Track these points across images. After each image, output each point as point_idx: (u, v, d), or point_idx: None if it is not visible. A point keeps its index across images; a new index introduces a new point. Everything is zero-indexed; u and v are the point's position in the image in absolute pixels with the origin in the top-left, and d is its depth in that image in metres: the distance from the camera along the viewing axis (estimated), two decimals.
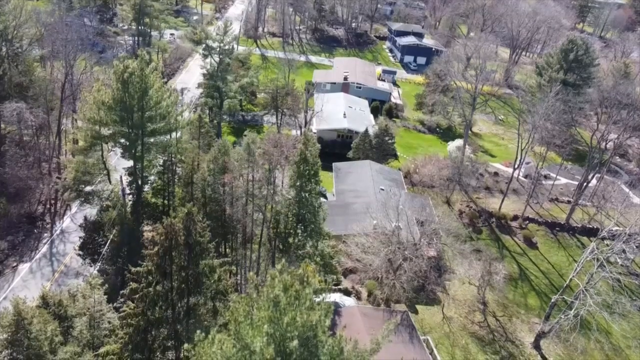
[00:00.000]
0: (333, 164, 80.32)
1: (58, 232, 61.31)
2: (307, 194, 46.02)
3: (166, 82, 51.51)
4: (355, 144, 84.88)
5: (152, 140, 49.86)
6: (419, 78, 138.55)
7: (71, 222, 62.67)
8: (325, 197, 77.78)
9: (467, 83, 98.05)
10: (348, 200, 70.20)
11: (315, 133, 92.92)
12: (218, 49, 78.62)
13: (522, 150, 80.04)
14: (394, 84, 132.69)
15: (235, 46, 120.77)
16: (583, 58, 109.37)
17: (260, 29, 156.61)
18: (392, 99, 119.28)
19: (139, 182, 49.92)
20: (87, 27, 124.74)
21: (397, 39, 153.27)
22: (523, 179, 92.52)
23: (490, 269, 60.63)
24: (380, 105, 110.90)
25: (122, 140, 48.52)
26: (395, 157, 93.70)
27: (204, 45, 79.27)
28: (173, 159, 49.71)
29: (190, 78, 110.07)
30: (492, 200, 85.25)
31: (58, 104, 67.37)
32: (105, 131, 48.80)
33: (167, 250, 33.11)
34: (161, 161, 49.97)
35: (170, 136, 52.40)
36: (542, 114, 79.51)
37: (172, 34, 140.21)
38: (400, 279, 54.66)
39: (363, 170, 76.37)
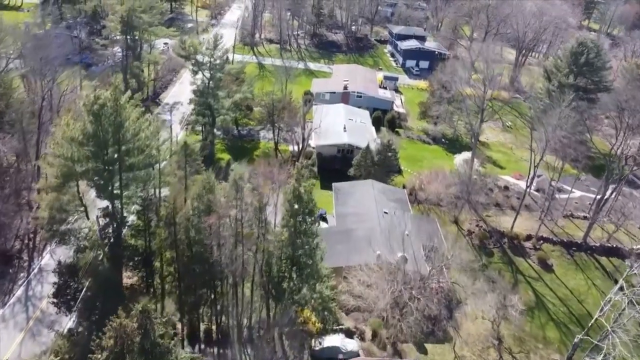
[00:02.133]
0: (333, 184, 75.46)
1: (36, 270, 56.72)
2: (301, 235, 41.18)
3: (146, 110, 46.59)
4: (356, 161, 79.97)
5: (130, 175, 45.07)
6: (422, 83, 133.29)
7: (51, 259, 57.99)
8: (326, 220, 73.07)
9: (474, 90, 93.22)
10: (349, 225, 65.32)
11: (314, 149, 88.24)
12: (208, 64, 73.80)
13: (534, 166, 74.66)
14: (396, 90, 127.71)
15: (230, 57, 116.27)
16: (594, 61, 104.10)
17: (257, 35, 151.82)
18: (395, 107, 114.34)
19: (117, 224, 45.18)
20: (76, 40, 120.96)
21: (398, 42, 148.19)
22: (535, 192, 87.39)
23: (505, 302, 55.67)
24: (382, 115, 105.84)
25: (96, 178, 43.73)
26: (399, 172, 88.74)
27: (192, 60, 74.23)
28: (152, 198, 44.98)
29: (184, 91, 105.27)
30: (503, 219, 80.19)
31: (37, 129, 62.73)
32: (78, 167, 44.04)
33: (119, 358, 27.76)
34: (140, 199, 45.09)
35: (153, 168, 47.77)
36: (554, 126, 74.36)
37: (165, 44, 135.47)
38: (406, 320, 49.79)
39: (365, 191, 71.49)
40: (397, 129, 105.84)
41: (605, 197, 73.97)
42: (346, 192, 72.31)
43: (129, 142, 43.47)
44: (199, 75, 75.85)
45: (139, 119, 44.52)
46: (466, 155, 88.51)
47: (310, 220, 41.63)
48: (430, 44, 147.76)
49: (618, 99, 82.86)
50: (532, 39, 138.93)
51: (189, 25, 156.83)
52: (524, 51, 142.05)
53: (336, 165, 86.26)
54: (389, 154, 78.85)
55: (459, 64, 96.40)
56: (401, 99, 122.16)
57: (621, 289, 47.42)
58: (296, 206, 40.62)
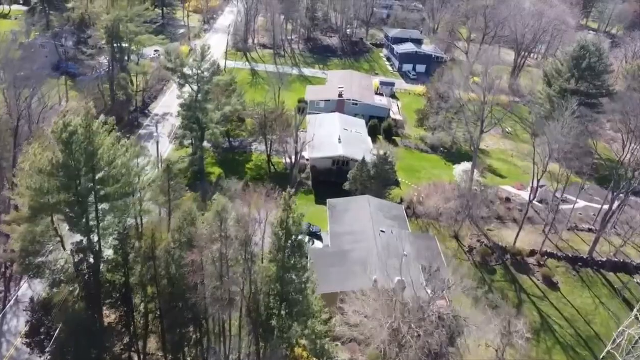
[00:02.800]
0: (327, 201, 72.31)
1: (12, 303, 53.51)
2: (290, 270, 38.02)
3: (119, 138, 43.03)
4: (352, 174, 76.79)
5: (106, 206, 41.84)
6: (419, 88, 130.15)
7: (29, 289, 54.75)
8: (320, 239, 70.00)
9: (473, 97, 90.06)
10: (344, 246, 62.16)
11: (308, 161, 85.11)
12: (195, 77, 70.55)
13: (537, 180, 71.55)
14: (393, 96, 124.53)
15: (222, 64, 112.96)
16: (596, 65, 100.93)
17: (250, 40, 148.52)
18: (392, 114, 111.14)
19: (93, 259, 41.97)
20: (62, 49, 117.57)
21: (394, 46, 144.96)
22: (538, 204, 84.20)
23: (509, 329, 52.54)
24: (378, 123, 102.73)
25: (68, 211, 40.49)
26: (397, 184, 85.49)
27: (179, 73, 70.97)
28: (130, 230, 41.77)
29: (175, 101, 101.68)
30: (506, 233, 77.15)
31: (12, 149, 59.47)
32: (50, 199, 40.79)
33: None
34: (117, 233, 41.84)
35: (133, 196, 44.54)
36: (557, 140, 71.32)
37: (156, 51, 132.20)
38: (406, 353, 46.60)
39: (361, 208, 68.31)
40: (394, 137, 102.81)
41: (612, 210, 70.69)
42: (341, 209, 69.16)
43: (104, 171, 40.21)
44: (187, 89, 72.57)
45: (115, 146, 41.28)
46: (466, 165, 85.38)
47: (299, 254, 38.46)
48: (427, 48, 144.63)
49: (624, 109, 79.46)
50: (531, 41, 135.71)
51: (181, 31, 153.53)
52: (523, 53, 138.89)
53: (331, 178, 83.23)
54: (386, 167, 75.67)
55: (457, 72, 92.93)
56: (398, 106, 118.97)
57: (637, 319, 44.27)
58: (284, 240, 37.46)
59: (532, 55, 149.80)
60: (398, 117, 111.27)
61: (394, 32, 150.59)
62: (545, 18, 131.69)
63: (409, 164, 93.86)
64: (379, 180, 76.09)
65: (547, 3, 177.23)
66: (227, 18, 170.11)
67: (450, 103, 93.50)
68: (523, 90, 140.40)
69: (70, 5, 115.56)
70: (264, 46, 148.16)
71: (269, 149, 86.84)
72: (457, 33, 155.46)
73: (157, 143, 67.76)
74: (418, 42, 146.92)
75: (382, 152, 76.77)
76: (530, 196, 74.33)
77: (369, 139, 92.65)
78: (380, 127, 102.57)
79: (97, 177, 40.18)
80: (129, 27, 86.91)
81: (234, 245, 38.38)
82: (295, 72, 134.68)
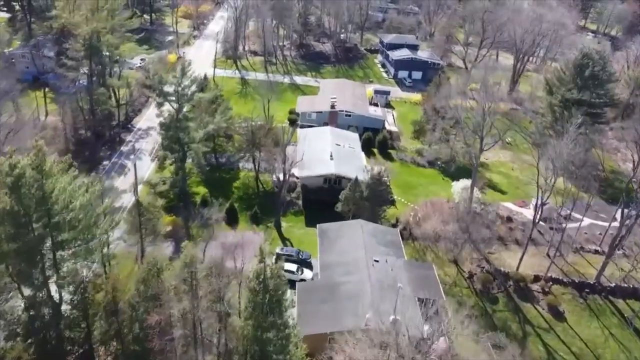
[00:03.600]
0: (317, 226, 67.79)
1: None
2: (269, 329, 33.52)
3: (76, 176, 38.39)
4: (344, 195, 72.26)
5: (64, 254, 37.28)
6: (415, 96, 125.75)
7: None
8: (310, 266, 65.56)
9: (473, 101, 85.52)
10: (335, 278, 57.66)
11: (298, 180, 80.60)
12: (175, 95, 65.94)
13: (542, 202, 67.12)
14: (388, 105, 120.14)
15: (209, 72, 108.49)
16: (600, 74, 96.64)
17: (240, 47, 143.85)
18: (387, 125, 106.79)
19: (50, 313, 37.42)
20: (44, 60, 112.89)
21: (389, 52, 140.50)
22: (541, 223, 79.73)
23: None
24: (373, 136, 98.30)
25: (18, 262, 35.92)
26: (392, 202, 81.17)
27: (157, 91, 66.31)
28: (87, 285, 37.23)
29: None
30: (507, 255, 72.82)
31: None
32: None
33: None
34: (74, 284, 37.30)
35: (97, 239, 39.99)
36: (561, 156, 67.08)
37: (142, 59, 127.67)
38: None
39: (353, 235, 63.82)
40: (389, 150, 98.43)
41: (622, 236, 66.29)
42: (332, 235, 64.64)
43: (59, 216, 35.65)
44: (167, 106, 67.94)
45: (72, 186, 36.70)
46: (464, 183, 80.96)
47: (277, 311, 34.01)
48: (423, 54, 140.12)
49: (635, 125, 75.12)
50: (530, 46, 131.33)
51: (169, 38, 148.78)
52: (522, 58, 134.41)
53: (323, 196, 78.71)
54: (380, 187, 71.20)
55: (454, 83, 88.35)
56: (393, 115, 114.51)
57: None
58: (261, 295, 33.01)
59: (531, 58, 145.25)
60: (393, 129, 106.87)
61: (389, 38, 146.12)
62: (544, 23, 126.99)
63: (404, 180, 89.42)
64: (373, 201, 71.67)
65: (544, 5, 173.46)
66: (218, 23, 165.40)
67: (447, 119, 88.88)
68: (523, 97, 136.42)
69: (52, 14, 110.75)
70: (255, 53, 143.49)
71: (257, 167, 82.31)
72: (454, 37, 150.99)
73: (134, 166, 63.04)
74: (414, 47, 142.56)
75: (376, 171, 72.28)
76: (534, 217, 69.69)
77: (363, 154, 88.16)
78: (375, 139, 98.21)
79: (51, 222, 35.57)
80: (108, 39, 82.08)
81: (205, 301, 33.90)
82: (286, 80, 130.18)
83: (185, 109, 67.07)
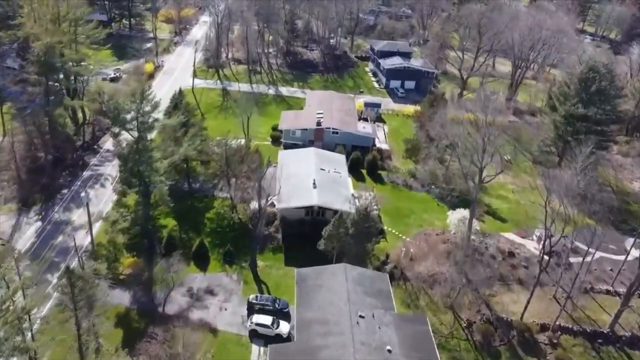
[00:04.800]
0: (296, 271, 59.94)
1: None
2: None
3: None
4: (328, 232, 64.36)
5: None
6: (408, 108, 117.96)
7: None
8: (288, 317, 57.78)
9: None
10: (313, 340, 49.79)
11: (277, 211, 72.65)
12: (135, 123, 57.87)
13: (549, 237, 59.65)
14: (379, 118, 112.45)
15: (188, 83, 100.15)
16: (607, 89, 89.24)
17: (223, 54, 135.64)
18: (377, 142, 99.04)
19: None
20: (9, 71, 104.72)
21: (380, 61, 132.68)
22: (546, 257, 72.30)
23: None
24: (361, 155, 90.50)
25: None
26: (382, 234, 73.41)
27: (112, 117, 58.19)
28: None
29: None
30: (510, 298, 65.28)
31: None
32: None
33: None
34: None
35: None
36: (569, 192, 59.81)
37: (117, 69, 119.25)
38: None
39: (336, 283, 56.00)
40: (379, 171, 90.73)
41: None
42: (312, 284, 56.75)
43: None
44: (125, 135, 59.89)
45: None
46: (462, 213, 73.18)
47: None
48: (416, 62, 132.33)
49: None
50: (530, 54, 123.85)
51: (148, 45, 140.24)
52: (521, 66, 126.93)
53: (304, 229, 71.03)
54: (367, 225, 63.35)
55: (450, 106, 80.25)
56: (384, 131, 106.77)
57: None
58: None
59: (530, 65, 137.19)
60: (384, 147, 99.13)
61: (380, 45, 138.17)
62: (545, 30, 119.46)
63: (395, 207, 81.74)
64: (359, 239, 63.84)
65: (542, 9, 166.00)
66: (202, 28, 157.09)
67: (442, 145, 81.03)
68: (522, 107, 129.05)
69: (16, 22, 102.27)
70: (239, 61, 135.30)
71: (232, 195, 74.40)
72: (448, 44, 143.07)
73: (87, 205, 55.00)
74: (406, 55, 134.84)
75: (363, 205, 64.52)
76: (540, 260, 62.21)
77: (350, 180, 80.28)
78: (364, 160, 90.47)
79: None
80: (67, 53, 73.82)
81: None
82: (271, 91, 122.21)
83: (146, 138, 58.84)
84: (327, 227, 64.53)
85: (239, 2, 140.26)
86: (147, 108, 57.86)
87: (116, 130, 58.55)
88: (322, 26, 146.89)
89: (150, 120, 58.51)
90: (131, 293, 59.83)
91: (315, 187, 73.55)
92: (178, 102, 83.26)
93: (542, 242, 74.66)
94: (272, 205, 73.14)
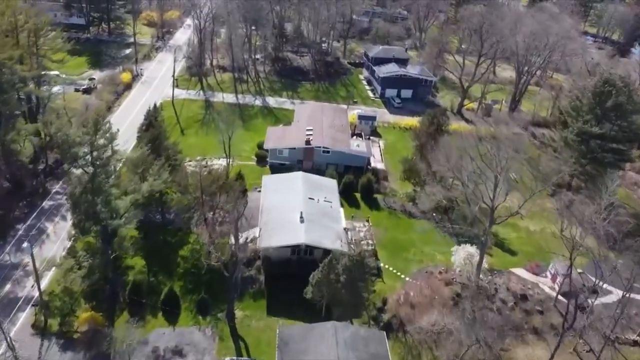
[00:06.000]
0: (277, 330, 51.62)
1: None
2: None
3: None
4: (315, 279, 56.01)
5: None
6: (406, 121, 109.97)
7: None
8: None
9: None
10: None
11: (260, 251, 64.08)
12: (89, 158, 49.25)
13: (569, 275, 51.51)
14: (374, 131, 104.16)
15: (168, 94, 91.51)
16: (624, 104, 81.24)
17: (208, 61, 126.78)
18: (372, 161, 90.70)
19: None
20: None
21: (375, 68, 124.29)
22: (561, 298, 64.37)
23: None
24: (355, 178, 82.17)
25: None
26: (378, 274, 65.15)
27: (63, 154, 49.59)
28: None
29: None
30: (524, 353, 57.19)
31: None
32: None
33: None
34: None
35: None
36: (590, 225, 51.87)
37: (91, 79, 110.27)
38: None
39: (324, 347, 47.64)
40: (375, 195, 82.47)
41: None
42: (296, 349, 48.34)
43: None
44: (78, 171, 51.17)
45: None
46: (468, 250, 64.90)
47: None
48: (413, 69, 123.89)
49: None
50: (535, 61, 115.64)
51: (127, 51, 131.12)
52: (525, 74, 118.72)
53: (290, 269, 62.74)
54: (363, 271, 55.00)
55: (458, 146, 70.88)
56: (380, 147, 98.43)
57: None
58: None
59: (532, 69, 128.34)
60: (379, 166, 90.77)
61: (374, 51, 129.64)
62: (552, 36, 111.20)
63: (393, 238, 73.52)
64: (352, 287, 55.46)
65: (544, 10, 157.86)
66: (186, 32, 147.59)
67: (447, 183, 72.40)
68: (526, 117, 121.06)
69: None
70: (224, 69, 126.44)
71: (206, 240, 65.50)
72: (447, 47, 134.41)
73: (32, 256, 46.31)
74: (403, 62, 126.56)
75: (357, 246, 56.24)
76: (564, 317, 54.11)
77: (342, 211, 71.68)
78: (358, 183, 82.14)
79: None
80: (20, 69, 65.00)
81: None
82: (258, 102, 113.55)
83: (102, 174, 50.15)
84: (315, 273, 56.20)
85: (224, 5, 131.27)
86: (102, 141, 49.14)
87: (68, 166, 49.73)
88: (314, 29, 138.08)
89: (107, 153, 49.76)
90: (87, 356, 51.25)
91: (302, 221, 65.05)
92: (152, 119, 74.66)
93: (557, 281, 67.14)
94: (255, 240, 64.85)
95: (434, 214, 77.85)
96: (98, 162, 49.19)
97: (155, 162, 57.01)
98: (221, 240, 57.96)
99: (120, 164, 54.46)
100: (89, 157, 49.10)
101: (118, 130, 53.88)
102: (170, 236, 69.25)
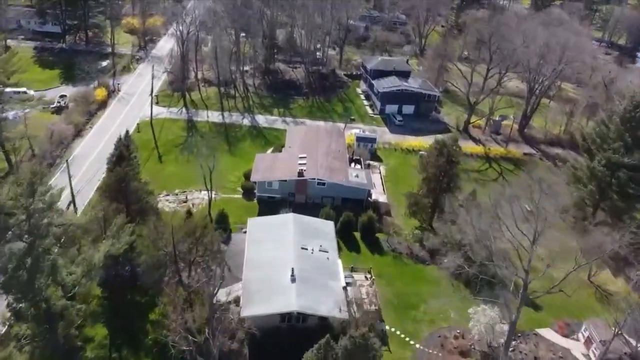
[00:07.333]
0: None
1: None
2: None
3: None
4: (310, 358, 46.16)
5: None
6: (409, 141, 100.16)
7: None
8: None
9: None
10: None
11: (245, 319, 53.94)
12: (26, 224, 39.15)
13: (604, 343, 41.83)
14: (374, 154, 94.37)
15: (146, 113, 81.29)
16: None
17: (192, 74, 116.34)
18: (373, 193, 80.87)
19: None
20: None
21: (374, 82, 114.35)
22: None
23: None
24: (354, 215, 72.27)
25: None
26: (383, 341, 55.34)
27: None
28: None
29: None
30: None
31: None
32: None
33: None
34: None
35: None
36: None
37: (62, 96, 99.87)
38: None
39: None
40: (377, 235, 72.69)
41: None
42: None
43: None
44: (13, 244, 40.88)
45: None
46: (489, 314, 55.16)
47: None
48: (415, 83, 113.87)
49: None
50: (548, 76, 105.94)
51: (104, 63, 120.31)
52: (536, 90, 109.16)
53: (280, 340, 52.72)
54: (366, 354, 45.14)
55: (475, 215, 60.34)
56: (380, 174, 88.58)
57: None
58: None
59: (539, 78, 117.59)
60: (381, 199, 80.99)
61: (373, 63, 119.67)
62: (567, 49, 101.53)
63: (399, 291, 63.71)
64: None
65: (551, 16, 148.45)
66: (170, 41, 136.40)
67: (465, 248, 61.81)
68: (538, 136, 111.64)
69: None
70: (210, 83, 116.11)
71: (186, 291, 55.66)
72: (450, 56, 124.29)
73: None
74: (404, 74, 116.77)
75: (361, 327, 46.31)
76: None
77: (340, 263, 61.57)
78: (357, 221, 72.29)
79: None
80: None
81: None
82: (246, 121, 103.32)
83: (43, 245, 39.97)
84: (309, 355, 46.27)
85: (210, 10, 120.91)
86: (41, 205, 39.00)
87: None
88: (307, 37, 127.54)
89: (47, 220, 39.59)
90: None
91: (293, 280, 55.06)
92: (123, 149, 64.44)
93: (592, 348, 57.63)
94: (237, 302, 55.07)
95: (446, 260, 67.75)
96: (36, 232, 39.00)
97: (115, 220, 46.70)
98: (195, 314, 47.82)
99: (69, 229, 43.88)
100: (25, 224, 38.85)
101: (62, 188, 43.65)
102: (140, 295, 59.06)
